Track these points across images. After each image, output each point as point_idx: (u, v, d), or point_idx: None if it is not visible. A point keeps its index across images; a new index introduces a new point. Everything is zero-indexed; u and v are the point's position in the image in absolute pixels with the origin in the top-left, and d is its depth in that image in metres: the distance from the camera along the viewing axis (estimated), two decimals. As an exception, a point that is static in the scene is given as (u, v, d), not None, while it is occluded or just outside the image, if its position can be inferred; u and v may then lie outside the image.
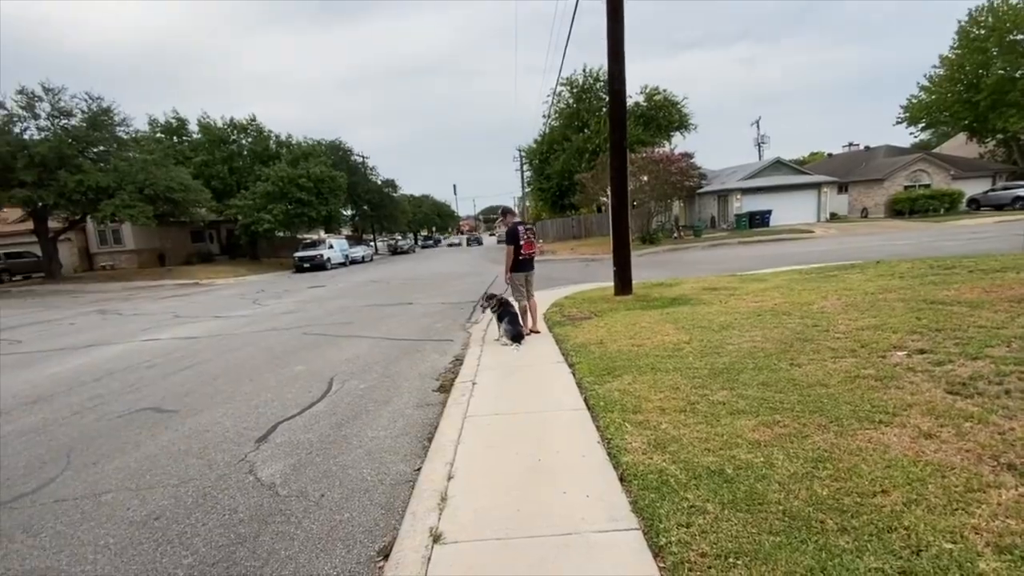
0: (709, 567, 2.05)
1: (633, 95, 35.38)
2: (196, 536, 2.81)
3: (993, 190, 29.66)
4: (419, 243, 67.47)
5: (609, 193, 9.98)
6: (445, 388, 5.05)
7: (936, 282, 7.34)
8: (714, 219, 32.70)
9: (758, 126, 55.06)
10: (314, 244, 29.90)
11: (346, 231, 48.75)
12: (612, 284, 9.44)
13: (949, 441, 2.80)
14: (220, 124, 33.32)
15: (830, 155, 46.91)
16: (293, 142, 35.75)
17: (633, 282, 9.38)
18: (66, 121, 22.49)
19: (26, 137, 21.67)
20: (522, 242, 6.69)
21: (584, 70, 37.17)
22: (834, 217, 31.14)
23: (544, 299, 9.31)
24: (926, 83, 35.47)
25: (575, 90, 37.64)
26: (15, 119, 21.71)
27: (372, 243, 47.53)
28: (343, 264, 30.21)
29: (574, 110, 37.55)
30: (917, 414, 3.15)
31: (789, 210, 29.81)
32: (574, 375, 4.83)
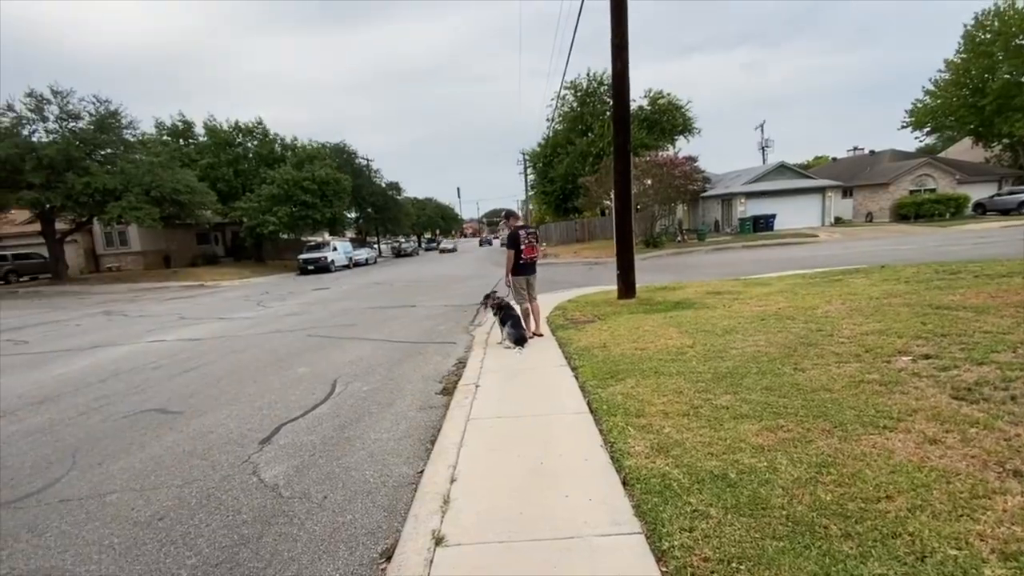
0: (712, 572, 2.04)
1: (637, 99, 35.43)
2: (200, 537, 2.82)
3: (999, 195, 29.49)
4: (423, 246, 67.42)
5: (612, 196, 9.99)
6: (448, 391, 5.06)
7: (942, 287, 7.31)
8: (718, 223, 32.65)
9: (762, 130, 54.98)
10: (318, 246, 29.99)
11: (350, 233, 48.89)
12: (615, 288, 9.44)
13: (954, 447, 2.79)
14: (226, 127, 33.54)
15: (835, 159, 46.83)
16: (298, 145, 35.95)
17: (636, 286, 9.37)
18: (74, 124, 22.71)
19: (35, 139, 21.89)
20: (523, 246, 6.72)
21: (588, 74, 37.30)
22: (839, 221, 31.02)
23: (547, 302, 9.31)
24: (931, 87, 35.42)
25: (579, 94, 37.72)
26: (24, 122, 21.94)
27: (376, 246, 47.63)
28: (347, 266, 30.29)
29: (578, 114, 37.63)
30: (922, 419, 3.13)
31: (793, 214, 29.72)
32: (577, 378, 4.82)
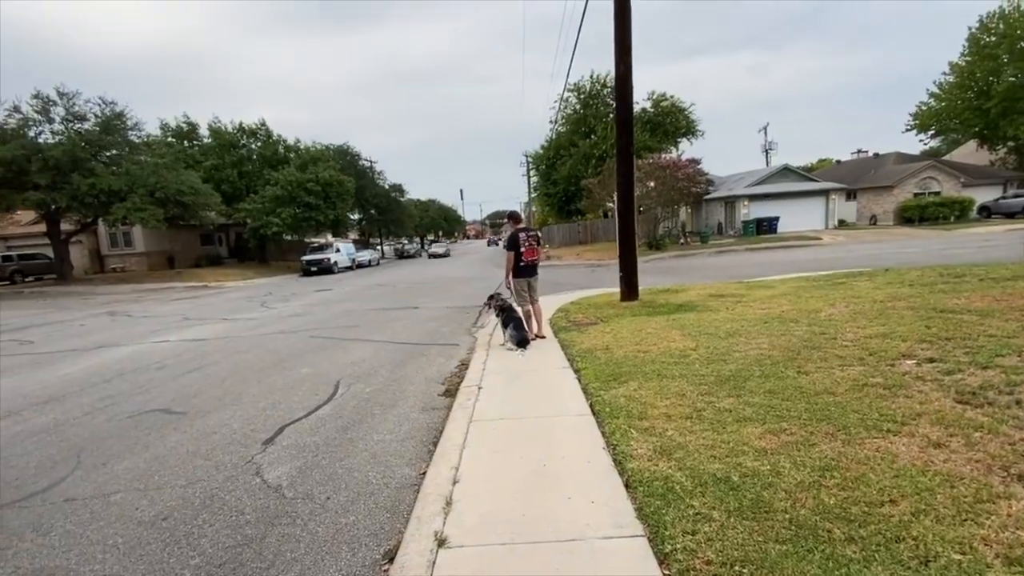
0: (714, 575, 2.04)
1: (640, 101, 35.56)
2: (203, 537, 2.84)
3: (1004, 198, 29.35)
4: (425, 247, 67.40)
5: (615, 199, 9.98)
6: (450, 392, 5.06)
7: (946, 290, 7.27)
8: (721, 225, 32.58)
9: (765, 132, 55.11)
10: (321, 248, 30.08)
11: (353, 235, 49.02)
12: (618, 290, 9.43)
13: (958, 451, 2.78)
14: (230, 129, 33.72)
15: (838, 162, 46.71)
16: (302, 147, 36.10)
17: (639, 288, 9.36)
18: (80, 125, 22.85)
19: (41, 141, 22.04)
20: (523, 249, 6.72)
21: (591, 76, 37.43)
22: (843, 224, 30.92)
23: (550, 304, 9.31)
24: (936, 90, 35.28)
25: (582, 96, 37.82)
26: (30, 123, 22.10)
27: (379, 247, 47.75)
28: (350, 268, 30.35)
29: (581, 116, 37.71)
30: (926, 423, 3.12)
31: (797, 217, 29.63)
32: (580, 381, 4.82)
